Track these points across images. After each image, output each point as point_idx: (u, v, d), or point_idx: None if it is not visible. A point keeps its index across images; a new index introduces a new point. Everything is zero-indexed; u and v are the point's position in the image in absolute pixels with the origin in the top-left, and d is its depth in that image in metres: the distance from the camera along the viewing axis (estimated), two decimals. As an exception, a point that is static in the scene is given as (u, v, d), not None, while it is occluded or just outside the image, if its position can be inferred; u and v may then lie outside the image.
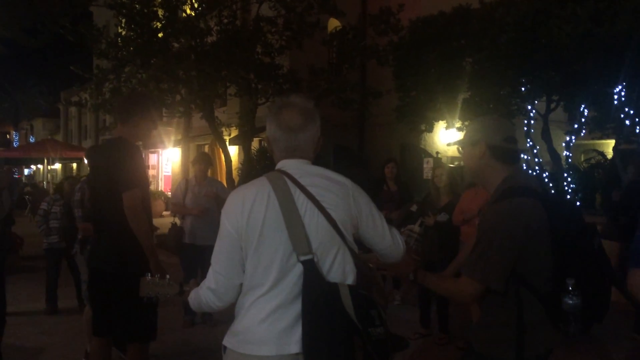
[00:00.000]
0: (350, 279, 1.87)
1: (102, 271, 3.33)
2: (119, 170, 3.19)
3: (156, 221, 9.93)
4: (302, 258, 1.79)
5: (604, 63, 7.69)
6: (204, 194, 5.75)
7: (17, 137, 49.82)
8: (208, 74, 10.97)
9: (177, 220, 5.95)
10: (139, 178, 3.22)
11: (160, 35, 11.03)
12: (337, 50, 13.55)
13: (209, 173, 9.68)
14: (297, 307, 1.79)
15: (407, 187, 7.11)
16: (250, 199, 1.85)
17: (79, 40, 11.49)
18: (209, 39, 11.38)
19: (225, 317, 5.85)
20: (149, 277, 2.23)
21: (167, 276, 2.26)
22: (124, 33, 11.21)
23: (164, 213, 17.02)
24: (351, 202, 1.91)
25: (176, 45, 11.25)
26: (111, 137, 3.70)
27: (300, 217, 1.81)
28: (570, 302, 2.05)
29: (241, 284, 1.89)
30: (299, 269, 1.80)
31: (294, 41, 11.89)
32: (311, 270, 1.78)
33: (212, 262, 1.92)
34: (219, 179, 14.16)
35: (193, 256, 5.70)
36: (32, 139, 45.09)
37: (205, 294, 1.94)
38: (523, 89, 8.95)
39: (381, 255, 2.09)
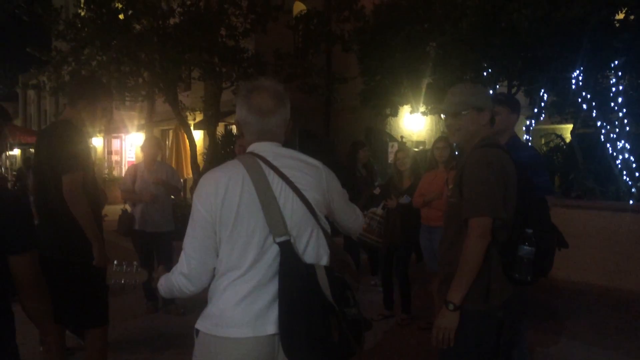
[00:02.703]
0: (324, 260, 1.89)
1: (48, 259, 3.25)
2: (59, 152, 3.09)
3: (116, 208, 9.65)
4: (279, 239, 1.79)
5: (561, 48, 7.84)
6: (152, 181, 5.62)
7: (-28, 122, 48.04)
8: (171, 56, 10.77)
9: (128, 207, 5.86)
10: (80, 161, 3.11)
11: (121, 16, 10.75)
12: (303, 34, 13.46)
13: (173, 158, 9.41)
14: (272, 288, 1.79)
15: (373, 170, 7.14)
16: (224, 182, 1.83)
17: (36, 20, 11.11)
18: (172, 21, 11.16)
19: (191, 304, 5.84)
20: (115, 264, 2.20)
21: (135, 263, 2.24)
22: (82, 13, 10.88)
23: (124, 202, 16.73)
24: (324, 184, 1.93)
25: (137, 26, 10.99)
26: (56, 120, 3.61)
27: (275, 198, 1.82)
28: (527, 248, 2.26)
29: (214, 268, 1.88)
30: (274, 250, 1.81)
31: (258, 24, 11.75)
32: (288, 251, 1.79)
33: (184, 246, 1.89)
34: (184, 164, 14.00)
35: (145, 243, 5.63)
36: (-11, 124, 43.28)
37: (178, 279, 1.91)
38: (485, 73, 9.07)
39: (345, 230, 2.19)
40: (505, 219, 2.28)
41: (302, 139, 12.64)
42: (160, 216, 5.65)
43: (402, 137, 13.08)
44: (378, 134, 13.78)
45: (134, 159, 23.01)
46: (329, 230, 1.95)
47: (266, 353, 1.81)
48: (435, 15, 9.16)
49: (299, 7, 14.09)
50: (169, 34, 10.87)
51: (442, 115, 2.65)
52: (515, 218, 2.32)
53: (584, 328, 5.33)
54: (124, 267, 2.22)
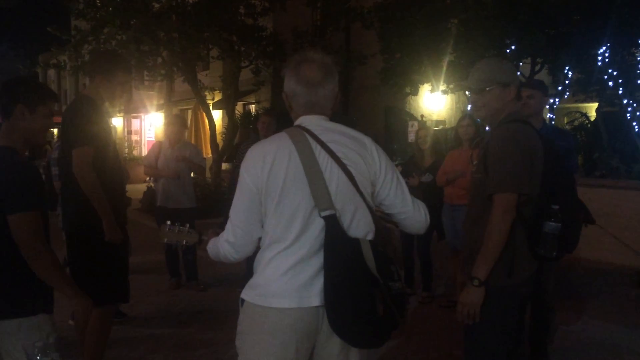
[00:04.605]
0: (369, 236, 1.89)
1: (71, 233, 3.27)
2: (71, 127, 3.09)
3: (138, 186, 9.82)
4: (324, 213, 1.80)
5: (588, 23, 7.66)
6: (174, 158, 5.67)
7: (-6, 103, 48.85)
8: (190, 35, 10.76)
9: (152, 184, 5.94)
10: (92, 136, 3.07)
11: (139, -6, 10.75)
12: (321, 12, 13.33)
13: (192, 137, 9.28)
14: (317, 261, 1.81)
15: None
16: (271, 154, 1.85)
17: (56, 0, 11.17)
18: (190, -1, 11.13)
19: (213, 280, 5.93)
20: (169, 224, 2.26)
21: (187, 225, 2.30)
22: (102, -8, 10.91)
23: (147, 178, 16.90)
24: (370, 160, 1.92)
25: (156, 5, 10.98)
26: (77, 95, 3.61)
27: (321, 172, 1.82)
28: (553, 224, 2.23)
29: (259, 238, 1.91)
30: (319, 224, 1.82)
31: (277, 2, 11.67)
32: (333, 225, 1.80)
33: (230, 215, 1.93)
34: (203, 144, 14.07)
35: (167, 218, 5.66)
36: (10, 104, 43.82)
37: (224, 246, 1.96)
38: (508, 50, 8.91)
39: (403, 225, 2.06)
40: (530, 195, 2.26)
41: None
42: (181, 192, 5.70)
43: (422, 116, 12.97)
44: (398, 113, 13.67)
45: (153, 139, 23.18)
46: (373, 207, 1.94)
47: (310, 324, 1.83)
48: (458, -10, 8.99)
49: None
50: (188, 13, 10.85)
51: (467, 92, 2.62)
52: (541, 194, 2.30)
53: (606, 307, 5.29)
54: (177, 227, 2.26)
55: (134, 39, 10.81)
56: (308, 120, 1.94)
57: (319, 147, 1.85)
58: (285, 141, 1.87)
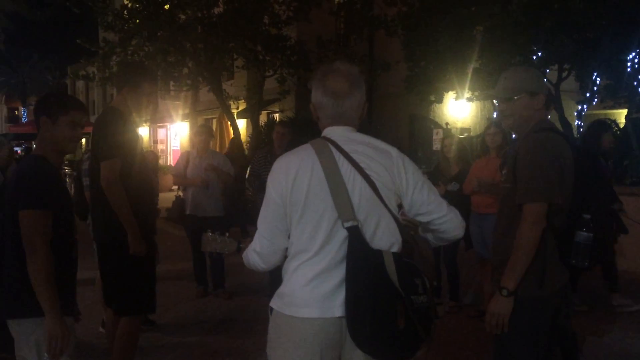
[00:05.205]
0: (394, 247, 1.88)
1: (99, 243, 3.33)
2: (99, 138, 3.13)
3: (165, 195, 9.97)
4: (347, 224, 1.80)
5: (617, 29, 7.55)
6: (204, 167, 5.72)
7: (25, 113, 49.97)
8: (215, 46, 10.91)
9: (181, 193, 6.00)
10: (120, 147, 3.09)
11: (166, 6, 10.95)
12: (345, 20, 13.39)
13: (217, 146, 9.21)
14: (340, 271, 1.81)
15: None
16: (295, 166, 1.87)
17: (85, 12, 11.43)
18: (216, 10, 11.28)
19: (239, 288, 5.95)
20: (209, 233, 2.30)
21: (227, 233, 2.33)
22: (129, 5, 11.13)
23: (173, 187, 17.09)
24: (395, 171, 1.90)
25: (182, 17, 11.17)
26: (106, 106, 3.66)
27: (344, 184, 1.83)
28: (584, 234, 2.21)
29: (285, 248, 1.93)
30: (342, 234, 1.82)
31: (301, 12, 11.76)
32: (355, 237, 1.80)
33: (258, 225, 1.96)
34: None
35: (196, 227, 5.72)
36: (40, 115, 44.73)
37: (252, 255, 2.00)
38: (534, 57, 8.82)
39: (444, 229, 1.96)
40: (560, 204, 2.23)
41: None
42: (210, 201, 5.75)
43: (447, 123, 12.89)
44: (422, 121, 13.62)
45: (178, 148, 23.45)
46: (399, 218, 1.92)
47: (334, 334, 1.83)
48: (483, -3, 8.94)
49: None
50: (213, 24, 11.00)
51: (494, 101, 2.61)
52: (572, 203, 2.27)
53: (637, 318, 5.17)
54: (217, 236, 2.31)
55: (160, 50, 11.00)
56: (333, 131, 1.95)
57: (342, 157, 1.86)
58: (308, 153, 1.89)
